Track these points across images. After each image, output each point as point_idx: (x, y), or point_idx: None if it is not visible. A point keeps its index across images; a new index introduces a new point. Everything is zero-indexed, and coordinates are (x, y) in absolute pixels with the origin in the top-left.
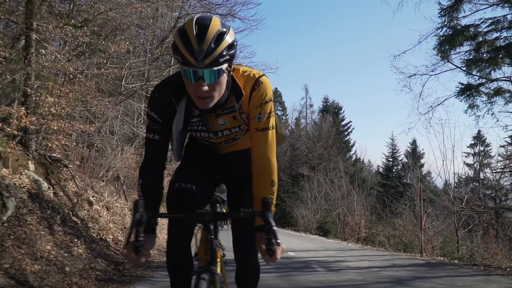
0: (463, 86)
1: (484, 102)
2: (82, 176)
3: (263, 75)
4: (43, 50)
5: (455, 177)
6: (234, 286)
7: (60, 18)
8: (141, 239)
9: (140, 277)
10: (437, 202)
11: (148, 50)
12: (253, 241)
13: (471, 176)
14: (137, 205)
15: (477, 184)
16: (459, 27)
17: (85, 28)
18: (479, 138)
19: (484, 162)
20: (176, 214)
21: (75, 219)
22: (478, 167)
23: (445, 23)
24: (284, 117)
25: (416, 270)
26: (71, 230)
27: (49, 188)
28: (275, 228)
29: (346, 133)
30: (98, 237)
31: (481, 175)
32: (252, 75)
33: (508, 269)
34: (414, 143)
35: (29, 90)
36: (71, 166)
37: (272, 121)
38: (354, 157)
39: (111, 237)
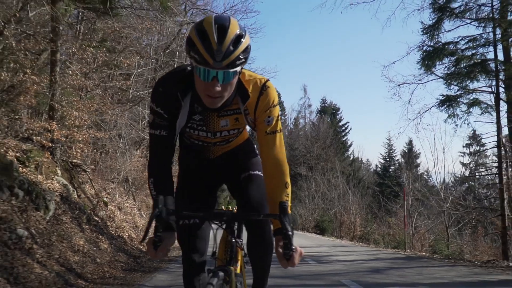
0: (443, 98)
1: (462, 112)
2: (96, 179)
3: (268, 80)
4: (70, 71)
5: (451, 177)
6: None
7: (82, 39)
8: (159, 234)
9: (157, 268)
10: (429, 202)
11: (152, 56)
12: (267, 222)
13: (466, 175)
14: (157, 202)
15: (472, 183)
16: (439, 44)
17: (104, 48)
18: (474, 138)
19: (480, 161)
20: (194, 214)
21: (97, 218)
22: (473, 167)
23: (425, 41)
24: (283, 117)
25: (393, 262)
26: (95, 228)
27: (73, 191)
28: (290, 233)
29: (343, 133)
30: (116, 234)
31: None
32: (258, 80)
33: (472, 261)
34: (410, 143)
35: (56, 105)
36: (88, 170)
37: (280, 125)
38: (352, 157)
39: (126, 234)
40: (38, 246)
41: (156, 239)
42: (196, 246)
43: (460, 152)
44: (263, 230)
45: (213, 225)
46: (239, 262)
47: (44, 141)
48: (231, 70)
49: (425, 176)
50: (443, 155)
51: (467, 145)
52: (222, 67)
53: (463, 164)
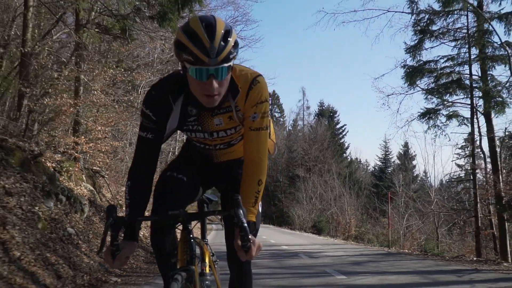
0: (423, 111)
1: (441, 124)
2: (111, 184)
3: (260, 75)
4: (94, 91)
5: (443, 178)
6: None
7: (101, 60)
8: (116, 243)
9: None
10: (422, 202)
11: (159, 68)
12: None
13: (462, 177)
14: (110, 210)
15: (468, 184)
16: (421, 62)
17: (122, 69)
18: (469, 141)
19: (476, 163)
20: (149, 218)
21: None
22: (469, 168)
23: (408, 60)
24: (282, 119)
25: (374, 257)
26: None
27: (97, 195)
28: (245, 225)
29: (340, 135)
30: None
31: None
32: (249, 74)
33: (443, 256)
34: (406, 145)
35: (82, 120)
36: (106, 176)
37: (266, 122)
38: (349, 158)
39: (141, 233)
40: (82, 242)
41: (114, 248)
42: (171, 199)
43: (456, 154)
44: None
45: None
46: (207, 262)
47: (75, 153)
48: (226, 65)
49: (423, 177)
50: (433, 159)
51: (463, 147)
52: (218, 63)
53: (459, 166)
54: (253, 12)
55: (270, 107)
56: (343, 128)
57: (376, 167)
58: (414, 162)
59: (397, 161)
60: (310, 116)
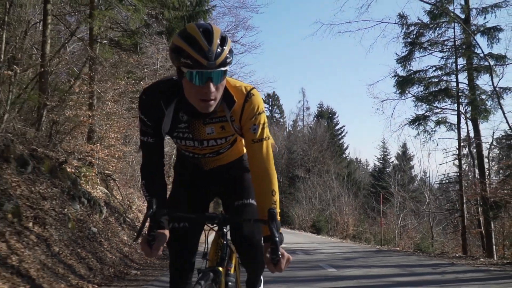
0: (413, 118)
1: (430, 129)
2: (120, 187)
3: (254, 88)
4: (108, 102)
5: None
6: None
7: (112, 71)
8: (153, 234)
9: None
10: (414, 202)
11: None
12: (259, 242)
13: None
14: (151, 202)
15: (466, 184)
16: (411, 71)
17: (132, 80)
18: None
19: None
20: (188, 216)
21: (128, 220)
22: (466, 168)
23: (398, 69)
24: (282, 120)
25: (364, 254)
26: (130, 227)
27: (111, 197)
28: (277, 239)
29: (339, 136)
30: (143, 232)
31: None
32: (243, 87)
33: (429, 253)
34: (404, 145)
35: (97, 128)
36: (117, 179)
37: (267, 132)
38: (348, 159)
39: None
40: (103, 239)
41: (150, 238)
42: (184, 249)
43: (454, 154)
44: (250, 244)
45: (205, 227)
46: (233, 263)
47: (92, 160)
48: (223, 69)
49: (423, 177)
50: (428, 160)
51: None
52: (216, 67)
53: (456, 166)
54: (253, 20)
55: (270, 108)
56: (342, 129)
57: (376, 168)
58: (412, 163)
59: (396, 162)
60: (310, 116)
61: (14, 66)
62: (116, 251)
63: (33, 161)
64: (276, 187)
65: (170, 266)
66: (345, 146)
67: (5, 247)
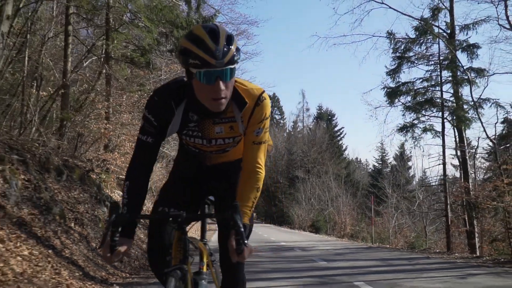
0: (401, 126)
1: (418, 136)
2: None
3: (264, 91)
4: (124, 114)
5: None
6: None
7: (126, 85)
8: (116, 239)
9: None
10: (406, 203)
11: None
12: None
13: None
14: (113, 208)
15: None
16: (399, 83)
17: (144, 93)
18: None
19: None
20: (150, 216)
21: (142, 220)
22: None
23: (387, 80)
24: (282, 121)
25: (355, 250)
26: (144, 227)
27: None
28: (242, 229)
29: (338, 138)
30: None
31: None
32: (255, 90)
33: (414, 249)
34: (402, 146)
35: (113, 138)
36: None
37: (267, 136)
38: (347, 159)
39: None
40: None
41: (113, 244)
42: (162, 238)
43: (451, 154)
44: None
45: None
46: (204, 260)
47: (112, 167)
48: (231, 66)
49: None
50: (421, 162)
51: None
52: (225, 64)
53: (454, 166)
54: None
55: (270, 109)
56: (341, 131)
57: (375, 168)
58: (410, 163)
59: (393, 162)
60: (309, 117)
61: (35, 83)
62: (137, 247)
63: (66, 170)
64: (261, 185)
65: (148, 250)
66: (344, 147)
67: (59, 243)
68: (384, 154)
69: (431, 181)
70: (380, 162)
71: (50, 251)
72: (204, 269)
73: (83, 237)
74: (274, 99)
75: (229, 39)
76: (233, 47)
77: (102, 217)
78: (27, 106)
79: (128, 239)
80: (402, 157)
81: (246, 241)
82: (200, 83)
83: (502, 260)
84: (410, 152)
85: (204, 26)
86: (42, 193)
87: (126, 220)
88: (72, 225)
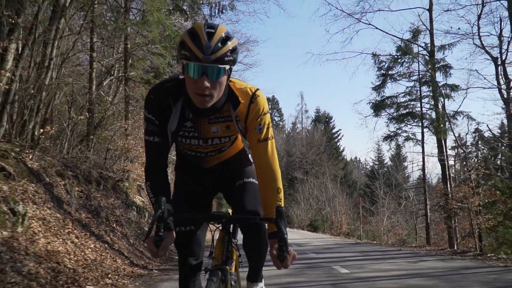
0: (385, 135)
1: (401, 144)
2: (144, 193)
3: (258, 89)
4: (143, 129)
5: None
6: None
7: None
8: (161, 234)
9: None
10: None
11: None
12: (263, 225)
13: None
14: (159, 203)
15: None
16: (384, 97)
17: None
18: (458, 142)
19: (464, 163)
20: (195, 215)
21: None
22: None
23: (373, 95)
24: (281, 123)
25: (343, 245)
26: None
27: (146, 204)
28: (286, 236)
29: (336, 140)
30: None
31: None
32: (248, 89)
33: (401, 245)
34: (398, 147)
35: (133, 150)
36: (143, 187)
37: (271, 132)
38: (345, 160)
39: None
40: None
41: (158, 239)
42: (192, 251)
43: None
44: (258, 233)
45: (211, 227)
46: (234, 262)
47: (134, 176)
48: (220, 65)
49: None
50: (412, 164)
51: (453, 148)
52: (212, 62)
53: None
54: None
55: (269, 111)
56: (338, 133)
57: (371, 168)
58: (405, 163)
59: (390, 163)
60: (308, 119)
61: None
62: (142, 242)
63: (102, 181)
64: (281, 185)
65: (179, 266)
66: (341, 148)
67: (109, 239)
68: (380, 155)
69: (412, 185)
70: (377, 163)
71: (106, 245)
72: (233, 270)
73: (124, 234)
74: (274, 101)
75: (225, 39)
76: (226, 47)
77: (133, 220)
78: (72, 130)
79: (170, 231)
80: (399, 157)
81: (289, 248)
82: (188, 76)
83: (459, 251)
84: (406, 153)
85: (206, 23)
86: (92, 201)
87: (173, 215)
88: (115, 225)
